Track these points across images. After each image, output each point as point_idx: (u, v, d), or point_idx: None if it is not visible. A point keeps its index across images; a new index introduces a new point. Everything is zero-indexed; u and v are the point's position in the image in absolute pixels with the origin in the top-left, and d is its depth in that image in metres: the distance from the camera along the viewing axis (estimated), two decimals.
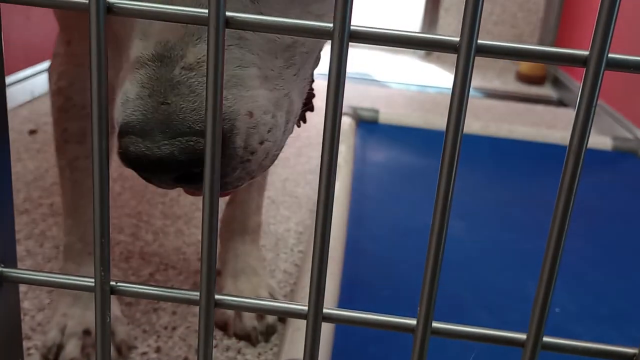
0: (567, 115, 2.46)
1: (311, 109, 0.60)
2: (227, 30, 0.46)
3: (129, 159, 0.44)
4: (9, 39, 1.81)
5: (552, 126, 2.27)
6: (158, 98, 0.43)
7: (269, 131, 0.48)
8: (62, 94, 0.83)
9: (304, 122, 0.61)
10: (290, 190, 1.48)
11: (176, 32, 0.44)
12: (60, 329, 0.86)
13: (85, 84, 0.81)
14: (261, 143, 0.48)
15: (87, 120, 0.83)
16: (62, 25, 0.80)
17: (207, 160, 0.31)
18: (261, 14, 0.47)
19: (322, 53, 0.59)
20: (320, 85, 0.59)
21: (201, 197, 0.55)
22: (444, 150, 0.30)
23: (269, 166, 0.51)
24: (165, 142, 0.43)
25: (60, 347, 0.84)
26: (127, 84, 0.45)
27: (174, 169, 0.44)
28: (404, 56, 3.30)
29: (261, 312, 0.34)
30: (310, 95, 0.59)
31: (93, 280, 0.34)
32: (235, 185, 0.49)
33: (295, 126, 0.59)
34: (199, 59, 0.44)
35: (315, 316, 0.33)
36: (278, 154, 0.51)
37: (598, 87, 0.28)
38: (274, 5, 0.48)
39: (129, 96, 0.44)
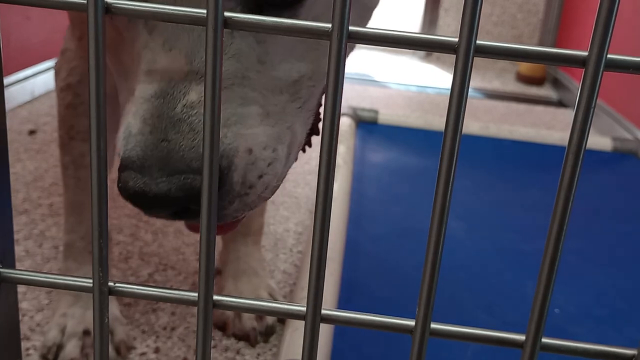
0: (567, 116, 2.46)
1: (317, 132, 0.61)
2: (231, 68, 0.47)
3: (127, 193, 0.45)
4: (8, 39, 1.81)
5: (552, 127, 2.27)
6: (159, 135, 0.44)
7: (269, 165, 0.49)
8: (71, 90, 0.82)
9: (309, 146, 0.61)
10: (289, 190, 1.48)
11: (180, 70, 0.45)
12: (60, 329, 0.85)
13: None
14: (260, 177, 0.49)
15: None
16: (75, 21, 0.80)
17: (205, 156, 0.30)
18: (267, 53, 0.47)
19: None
20: None
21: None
22: (443, 151, 0.30)
23: (269, 197, 0.52)
24: (163, 179, 0.43)
25: (60, 347, 0.84)
26: (130, 117, 0.46)
27: (170, 206, 0.44)
28: (403, 57, 3.30)
29: (259, 312, 0.34)
30: (317, 119, 0.59)
31: (91, 280, 0.34)
32: (234, 216, 0.50)
33: (300, 151, 0.59)
34: (202, 97, 0.45)
35: (313, 317, 0.33)
36: (279, 184, 0.52)
37: (597, 88, 0.28)
38: (282, 43, 0.48)
39: (131, 130, 0.45)
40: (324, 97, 0.59)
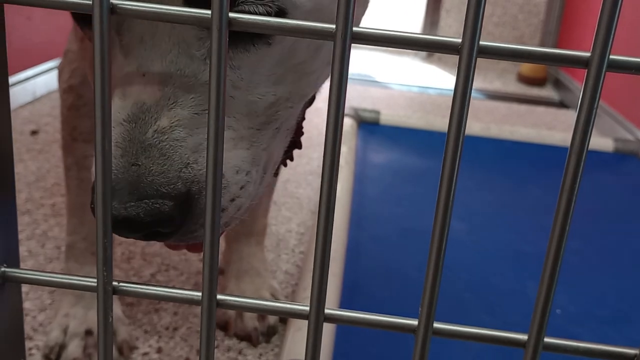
0: (569, 117, 2.46)
1: (299, 146, 0.61)
2: (202, 95, 0.46)
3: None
4: (10, 40, 1.81)
5: (553, 127, 2.27)
6: (129, 159, 0.45)
7: (241, 188, 0.50)
8: (73, 91, 0.82)
9: (291, 160, 0.62)
10: (291, 191, 1.48)
11: (153, 95, 0.45)
12: (62, 330, 0.86)
13: None
14: (232, 200, 0.49)
15: None
16: None
17: (209, 155, 0.31)
18: (242, 78, 0.47)
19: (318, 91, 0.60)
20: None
21: (181, 248, 0.56)
22: (446, 152, 0.30)
23: (243, 216, 0.52)
24: (132, 203, 0.44)
25: (62, 347, 0.84)
26: None
27: (139, 230, 0.45)
28: (405, 57, 3.30)
29: (263, 312, 0.35)
30: (299, 132, 0.60)
31: (95, 280, 0.34)
32: None
33: (282, 165, 0.60)
34: (173, 123, 0.45)
35: (317, 316, 0.33)
36: (254, 203, 0.53)
37: (599, 89, 0.28)
38: (258, 69, 0.48)
39: None
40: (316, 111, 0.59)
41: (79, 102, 0.82)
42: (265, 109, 0.50)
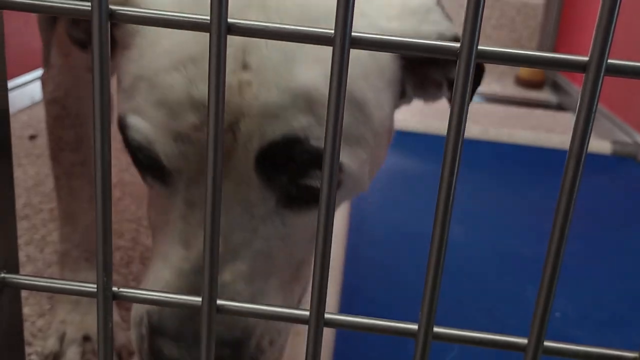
0: (567, 120, 2.46)
1: None
2: (262, 249, 0.48)
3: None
4: (9, 44, 1.81)
5: (551, 130, 2.27)
6: (194, 309, 0.47)
7: (280, 332, 0.52)
8: (58, 103, 0.84)
9: None
10: None
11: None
12: (58, 337, 0.85)
13: (79, 93, 0.84)
14: (271, 343, 0.52)
15: (81, 128, 0.85)
16: (61, 39, 0.81)
17: (209, 157, 0.31)
18: (289, 236, 0.51)
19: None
20: None
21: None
22: (445, 157, 0.30)
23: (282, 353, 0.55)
24: (182, 343, 0.47)
25: (57, 356, 0.84)
26: (165, 287, 0.48)
27: None
28: None
29: (262, 317, 0.34)
30: None
31: (95, 286, 0.34)
32: None
33: None
34: (234, 276, 0.48)
35: (317, 321, 0.33)
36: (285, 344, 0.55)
37: (598, 93, 0.28)
38: (307, 229, 0.52)
39: None
40: None
41: (63, 113, 0.84)
42: (299, 264, 0.53)
